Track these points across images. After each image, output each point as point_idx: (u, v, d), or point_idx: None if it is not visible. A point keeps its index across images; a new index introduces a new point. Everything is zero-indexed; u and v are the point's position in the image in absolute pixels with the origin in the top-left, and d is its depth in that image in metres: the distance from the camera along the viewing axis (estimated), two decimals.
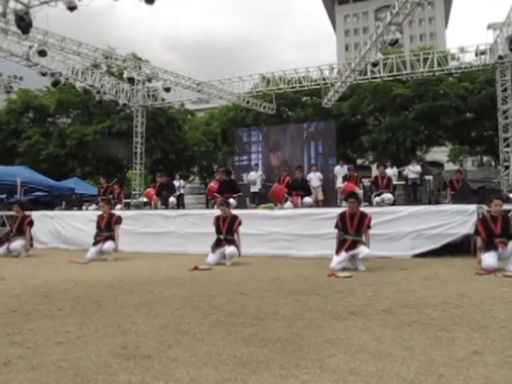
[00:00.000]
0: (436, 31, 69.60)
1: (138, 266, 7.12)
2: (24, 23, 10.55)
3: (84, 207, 12.42)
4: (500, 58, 14.39)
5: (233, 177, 12.35)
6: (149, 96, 19.44)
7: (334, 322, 3.25)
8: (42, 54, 13.55)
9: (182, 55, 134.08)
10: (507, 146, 15.16)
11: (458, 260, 7.17)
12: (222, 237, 7.28)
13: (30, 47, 13.68)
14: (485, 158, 32.16)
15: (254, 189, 13.17)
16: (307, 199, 10.08)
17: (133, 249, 9.24)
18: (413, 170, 12.51)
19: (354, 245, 6.26)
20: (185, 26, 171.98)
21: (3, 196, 16.00)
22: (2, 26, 12.23)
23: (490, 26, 14.79)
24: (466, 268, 6.13)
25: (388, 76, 16.46)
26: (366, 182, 11.89)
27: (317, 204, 11.76)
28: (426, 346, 2.67)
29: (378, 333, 2.95)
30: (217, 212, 7.98)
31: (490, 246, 5.98)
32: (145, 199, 13.64)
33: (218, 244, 7.26)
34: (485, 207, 7.51)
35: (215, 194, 10.62)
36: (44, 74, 14.99)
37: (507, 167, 15.05)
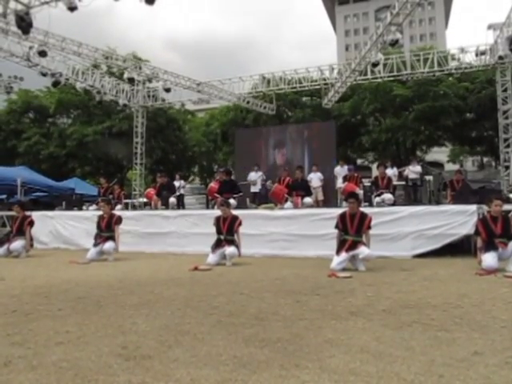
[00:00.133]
0: (436, 31, 69.60)
1: (139, 267, 7.12)
2: (24, 23, 10.56)
3: (84, 207, 12.43)
4: (500, 58, 14.39)
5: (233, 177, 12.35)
6: (149, 96, 19.44)
7: (335, 323, 3.25)
8: (43, 54, 13.56)
9: (183, 55, 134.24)
10: (507, 146, 15.15)
11: (459, 260, 7.17)
12: (222, 237, 7.28)
13: (31, 47, 13.68)
14: (485, 159, 32.14)
15: (255, 189, 13.17)
16: (307, 199, 10.07)
17: (133, 249, 9.24)
18: (413, 171, 12.52)
19: (354, 245, 6.26)
20: (185, 26, 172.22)
21: (3, 196, 16.01)
22: (2, 26, 12.23)
23: (490, 27, 14.79)
24: (466, 268, 6.13)
25: (388, 76, 16.47)
26: (367, 182, 11.88)
27: (317, 204, 11.76)
28: (427, 346, 2.66)
29: (379, 333, 2.95)
30: (217, 212, 7.99)
31: (490, 246, 5.98)
32: (145, 199, 13.65)
33: (218, 244, 7.26)
34: (485, 207, 7.51)
35: (215, 195, 10.62)
36: (44, 75, 15.00)
37: (507, 167, 15.05)
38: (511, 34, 12.63)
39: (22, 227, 9.15)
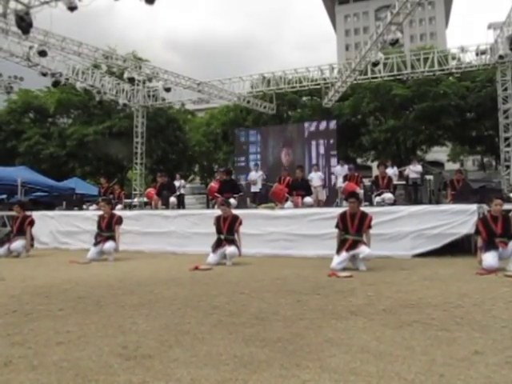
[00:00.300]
0: (436, 31, 69.54)
1: (139, 266, 7.12)
2: (24, 23, 10.55)
3: (84, 207, 12.43)
4: (500, 57, 14.39)
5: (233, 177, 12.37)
6: (149, 96, 19.45)
7: (335, 322, 3.25)
8: (43, 54, 13.56)
9: (183, 55, 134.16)
10: (508, 145, 15.15)
11: (459, 260, 7.16)
12: (222, 237, 7.27)
13: (31, 47, 13.69)
14: (485, 159, 32.13)
15: (255, 189, 13.17)
16: (308, 199, 10.07)
17: (133, 249, 9.25)
18: (414, 170, 12.52)
19: (354, 245, 6.25)
20: (185, 26, 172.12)
21: (4, 196, 16.02)
22: (2, 26, 12.24)
23: (490, 26, 14.80)
24: (466, 268, 6.13)
25: (388, 76, 16.47)
26: (367, 181, 11.89)
27: (317, 204, 11.75)
28: (427, 345, 2.66)
29: (379, 333, 2.95)
30: (217, 212, 7.99)
31: (490, 245, 5.98)
32: (145, 199, 13.65)
33: (218, 244, 7.26)
34: (485, 207, 7.51)
35: (216, 194, 10.62)
36: (44, 75, 15.00)
37: (508, 167, 15.05)
38: (511, 34, 12.63)
39: (23, 227, 9.15)
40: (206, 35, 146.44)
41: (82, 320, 3.41)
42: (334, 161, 15.50)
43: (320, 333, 2.96)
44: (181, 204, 12.10)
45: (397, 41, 12.16)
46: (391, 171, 12.37)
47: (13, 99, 26.01)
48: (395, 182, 11.47)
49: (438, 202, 10.41)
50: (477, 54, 15.30)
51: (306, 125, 16.93)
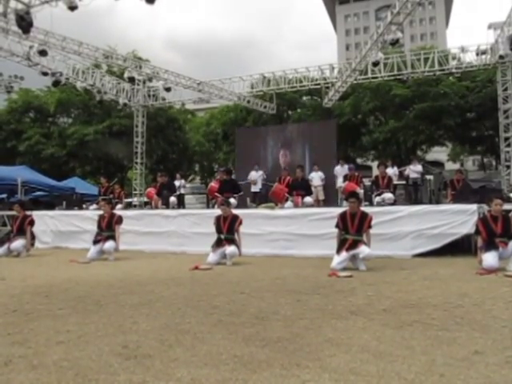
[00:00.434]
0: (437, 31, 69.50)
1: (139, 266, 7.12)
2: (25, 23, 10.55)
3: (84, 207, 12.44)
4: (501, 57, 14.38)
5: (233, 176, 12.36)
6: (149, 96, 19.44)
7: (335, 322, 3.25)
8: (43, 53, 13.55)
9: (183, 55, 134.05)
10: (508, 145, 15.14)
11: (459, 260, 7.16)
12: (222, 236, 7.27)
13: (31, 47, 13.67)
14: (485, 159, 32.13)
15: (255, 188, 13.17)
16: (308, 199, 10.07)
17: (133, 248, 9.25)
18: (414, 170, 12.52)
19: (354, 244, 6.25)
20: (185, 26, 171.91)
21: (4, 196, 16.00)
22: (2, 25, 12.23)
23: (490, 26, 14.78)
24: (466, 268, 6.13)
25: (389, 76, 16.45)
26: (367, 181, 11.89)
27: (317, 204, 11.75)
28: (427, 345, 2.66)
29: (379, 332, 2.95)
30: (217, 212, 7.99)
31: (490, 245, 5.98)
32: (145, 199, 13.65)
33: (218, 244, 7.26)
34: (485, 207, 7.51)
35: (216, 194, 10.62)
36: (45, 74, 14.99)
37: (508, 167, 15.04)
38: None
39: (23, 227, 9.16)
40: (207, 35, 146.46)
41: (82, 319, 3.41)
42: (333, 161, 15.47)
43: (320, 333, 2.96)
44: (181, 204, 12.10)
45: (397, 41, 12.16)
46: (391, 171, 12.37)
47: (13, 99, 26.01)
48: (395, 181, 11.47)
49: (438, 202, 10.42)
50: (477, 54, 15.29)
51: (307, 124, 16.94)
